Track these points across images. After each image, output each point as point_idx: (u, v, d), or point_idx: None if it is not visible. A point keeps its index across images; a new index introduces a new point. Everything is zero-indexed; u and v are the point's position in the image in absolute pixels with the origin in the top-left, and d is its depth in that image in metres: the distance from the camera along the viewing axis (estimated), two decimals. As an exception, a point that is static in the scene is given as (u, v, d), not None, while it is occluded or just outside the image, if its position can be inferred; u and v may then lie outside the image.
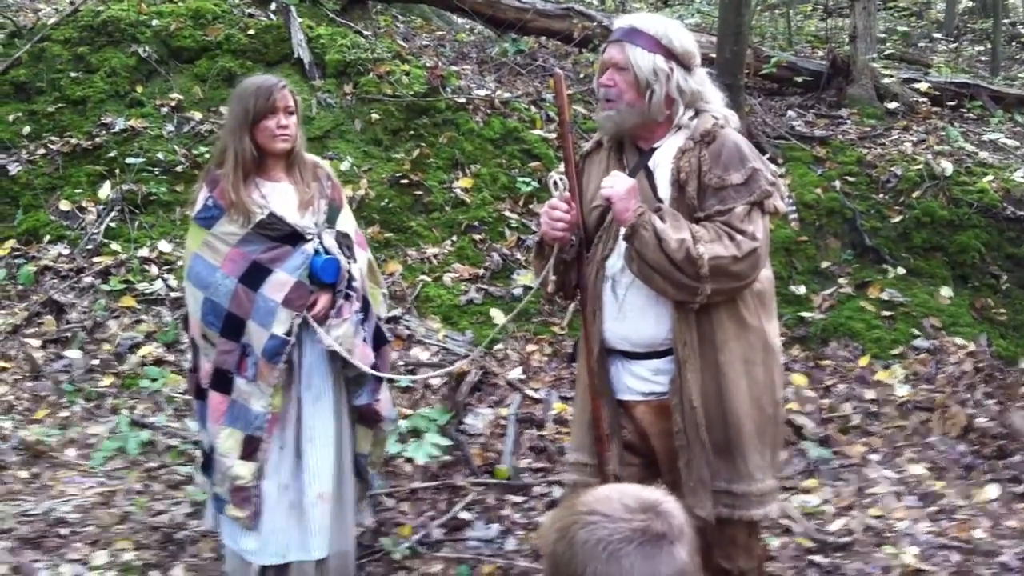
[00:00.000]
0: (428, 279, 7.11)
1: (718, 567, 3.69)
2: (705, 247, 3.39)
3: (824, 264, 7.50)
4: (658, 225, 3.41)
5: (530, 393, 6.27)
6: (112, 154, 7.71)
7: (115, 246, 7.10)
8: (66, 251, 7.10)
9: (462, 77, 9.02)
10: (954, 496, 5.59)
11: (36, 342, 6.43)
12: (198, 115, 8.12)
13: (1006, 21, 16.56)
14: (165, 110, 8.12)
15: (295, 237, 4.28)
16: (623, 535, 1.86)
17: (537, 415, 6.10)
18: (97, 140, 7.81)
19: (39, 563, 4.73)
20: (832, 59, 10.04)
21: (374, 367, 4.40)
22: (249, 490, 4.26)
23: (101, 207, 7.40)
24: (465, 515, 5.26)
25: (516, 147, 8.20)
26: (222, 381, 4.29)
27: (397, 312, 6.67)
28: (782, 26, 14.27)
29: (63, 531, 5.01)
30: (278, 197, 4.32)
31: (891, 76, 10.03)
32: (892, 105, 9.53)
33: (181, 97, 8.25)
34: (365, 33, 9.45)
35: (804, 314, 7.10)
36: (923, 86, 9.92)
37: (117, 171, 7.62)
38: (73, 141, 7.80)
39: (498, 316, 6.85)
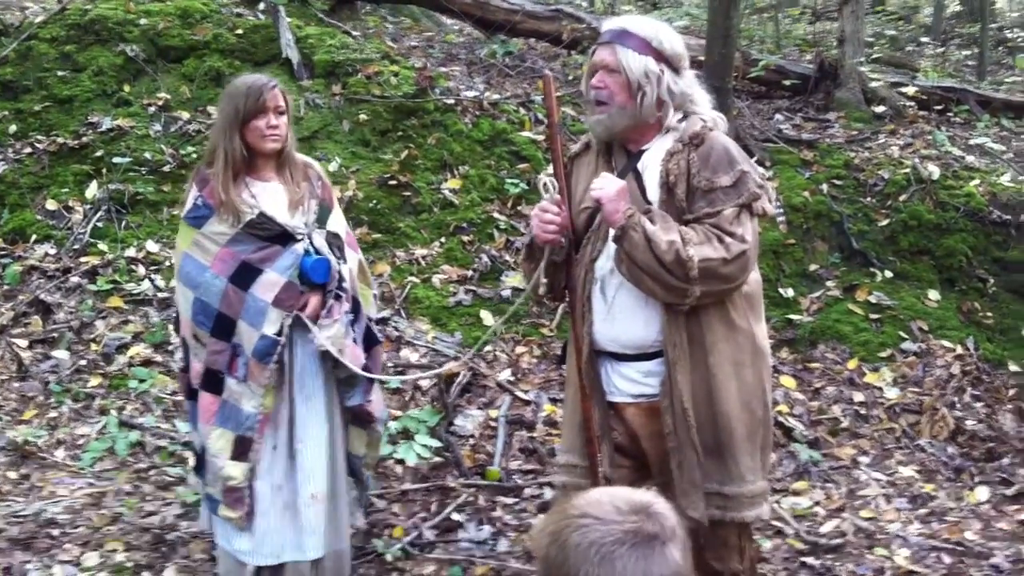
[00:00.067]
0: (417, 280, 7.10)
1: (710, 569, 3.71)
2: (695, 249, 3.40)
3: (812, 267, 7.51)
4: (648, 227, 3.42)
5: (520, 395, 6.26)
6: (99, 153, 7.67)
7: (102, 246, 7.07)
8: (53, 251, 7.06)
9: (451, 78, 9.00)
10: (945, 498, 5.62)
11: (23, 342, 6.39)
12: (185, 115, 8.09)
13: (993, 26, 16.63)
14: (152, 109, 8.09)
15: (285, 237, 4.28)
16: (615, 537, 1.86)
17: (527, 417, 6.10)
18: (84, 139, 7.77)
19: (30, 564, 4.71)
20: (820, 63, 10.04)
21: (365, 368, 4.40)
22: (241, 491, 4.25)
23: (88, 207, 7.36)
24: (457, 516, 5.26)
25: (505, 149, 8.19)
26: (213, 381, 4.28)
27: (386, 313, 6.66)
28: (770, 29, 14.29)
29: (54, 532, 5.00)
30: (268, 197, 4.31)
31: (879, 80, 10.04)
32: (879, 109, 9.53)
33: (168, 96, 8.22)
34: (354, 33, 9.43)
35: (792, 317, 7.11)
36: (910, 90, 9.93)
37: (104, 170, 7.58)
38: (60, 140, 7.76)
39: (487, 318, 6.84)
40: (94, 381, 6.20)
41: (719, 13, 8.52)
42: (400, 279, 7.08)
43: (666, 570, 1.85)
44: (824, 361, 6.81)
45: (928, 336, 6.99)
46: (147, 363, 6.32)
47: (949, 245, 7.52)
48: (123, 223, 7.29)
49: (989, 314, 7.20)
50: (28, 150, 7.71)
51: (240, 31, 8.73)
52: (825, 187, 7.96)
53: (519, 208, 7.75)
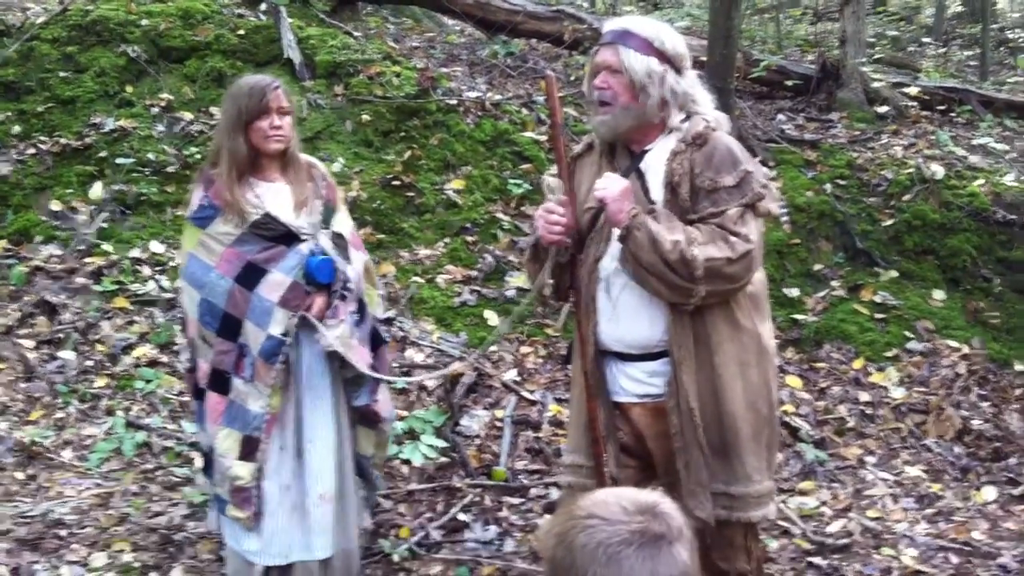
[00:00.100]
0: (421, 281, 7.10)
1: (716, 569, 3.71)
2: (699, 249, 3.40)
3: (816, 267, 7.52)
4: (652, 226, 3.42)
5: (525, 395, 6.26)
6: (102, 154, 7.66)
7: (107, 246, 7.06)
8: (57, 251, 7.05)
9: (453, 79, 9.01)
10: (951, 498, 5.62)
11: (29, 343, 6.38)
12: (188, 115, 8.09)
13: (994, 26, 16.65)
14: (155, 110, 8.08)
15: (290, 237, 4.28)
16: (622, 537, 1.86)
17: (533, 417, 6.10)
18: (87, 140, 7.76)
19: (38, 564, 4.71)
20: (822, 63, 10.05)
21: (372, 368, 4.40)
22: (249, 490, 4.25)
23: (92, 207, 7.35)
24: (463, 517, 5.26)
25: (507, 149, 8.20)
26: (220, 381, 4.28)
27: (391, 314, 6.66)
28: (772, 30, 14.30)
29: (61, 532, 5.00)
30: (273, 197, 4.31)
31: (881, 80, 10.05)
32: (882, 109, 9.54)
33: (171, 97, 8.21)
34: (355, 34, 9.43)
35: (797, 316, 7.12)
36: (913, 90, 9.94)
37: (107, 171, 7.58)
38: (63, 141, 7.75)
39: (492, 318, 6.84)
40: (100, 382, 6.20)
41: (720, 14, 8.53)
42: (404, 279, 7.08)
43: (673, 570, 1.86)
44: (830, 361, 6.82)
45: (934, 335, 6.99)
46: (153, 363, 6.31)
47: (953, 245, 7.52)
48: (127, 224, 7.29)
49: (994, 313, 7.21)
50: (31, 151, 7.70)
51: (242, 32, 8.72)
52: (829, 187, 7.97)
53: (522, 208, 7.76)
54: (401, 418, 5.70)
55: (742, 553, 3.75)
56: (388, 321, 6.52)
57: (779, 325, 6.86)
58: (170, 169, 7.61)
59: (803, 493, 5.64)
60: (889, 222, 7.66)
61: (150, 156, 7.65)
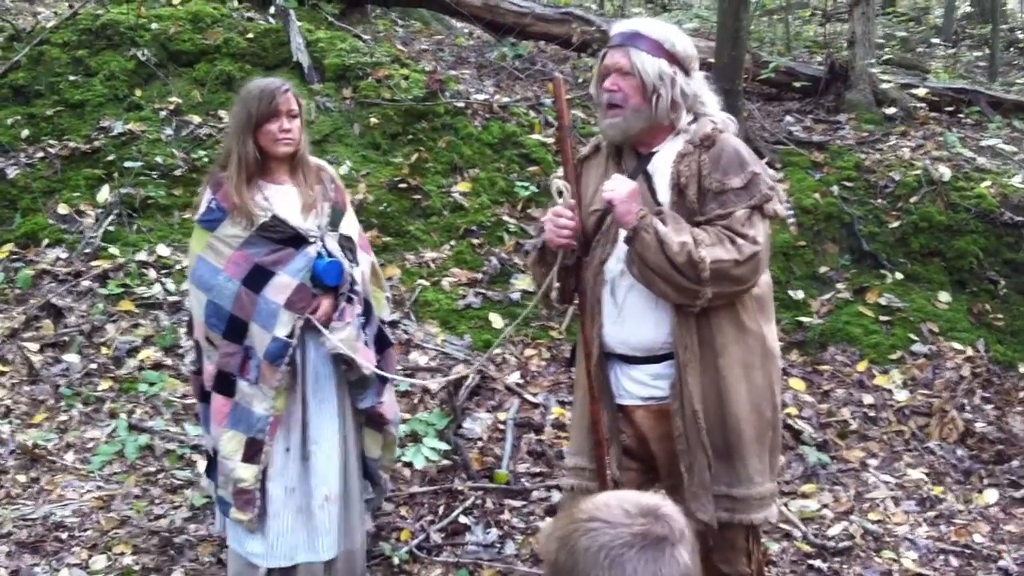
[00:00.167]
0: (426, 283, 7.10)
1: (718, 571, 3.71)
2: (707, 250, 3.39)
3: (822, 269, 7.50)
4: (660, 228, 3.42)
5: (528, 397, 6.26)
6: (111, 158, 7.69)
7: (113, 250, 7.09)
8: (64, 255, 7.08)
9: (461, 81, 9.02)
10: (953, 501, 5.61)
11: (34, 346, 6.41)
12: (197, 119, 8.11)
13: (1004, 27, 16.58)
14: (164, 114, 8.11)
15: (298, 240, 4.30)
16: (624, 540, 1.86)
17: (535, 420, 6.10)
18: (96, 144, 7.79)
19: (38, 567, 4.73)
20: (830, 64, 10.03)
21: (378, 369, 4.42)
22: (252, 493, 4.27)
23: (99, 211, 7.38)
24: (464, 520, 5.26)
25: (515, 151, 8.20)
26: (225, 383, 4.30)
27: (396, 316, 6.66)
28: (780, 31, 14.26)
29: (62, 535, 5.02)
30: (281, 200, 4.33)
31: (889, 81, 10.02)
32: (890, 110, 9.51)
33: (180, 101, 8.23)
34: (364, 37, 9.45)
35: (802, 319, 7.10)
36: (921, 91, 9.92)
37: (115, 175, 7.60)
38: (72, 144, 7.78)
39: (497, 320, 6.84)
40: (104, 385, 6.22)
41: (729, 15, 8.52)
42: (410, 282, 7.09)
43: (676, 572, 1.85)
44: (834, 363, 6.81)
45: (938, 338, 6.97)
46: (157, 367, 6.33)
47: (960, 247, 7.50)
48: (134, 227, 7.31)
49: (1000, 316, 7.19)
50: (40, 154, 7.73)
51: (251, 35, 8.74)
52: (836, 189, 7.95)
53: (529, 211, 7.76)
54: (404, 421, 5.70)
55: (743, 555, 3.74)
56: (393, 324, 6.52)
57: (784, 327, 6.85)
58: (178, 173, 7.63)
59: (805, 496, 5.64)
60: (896, 224, 7.64)
61: (158, 160, 7.67)
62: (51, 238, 7.21)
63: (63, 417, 6.01)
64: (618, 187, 3.51)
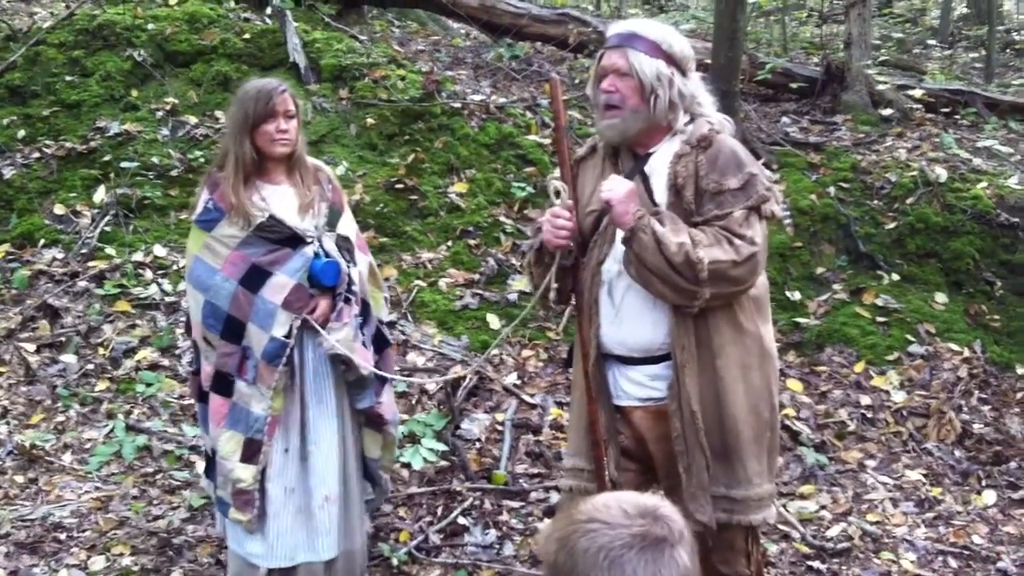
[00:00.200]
0: (423, 284, 7.10)
1: (717, 572, 3.71)
2: (704, 251, 3.39)
3: (819, 270, 7.51)
4: (657, 229, 3.41)
5: (526, 398, 6.26)
6: (107, 158, 7.67)
7: (110, 250, 7.08)
8: (60, 255, 7.07)
9: (457, 82, 9.02)
10: (952, 502, 5.61)
11: (31, 346, 6.40)
12: (193, 119, 8.10)
13: (1000, 28, 16.59)
14: (160, 114, 8.10)
15: (295, 240, 4.30)
16: (624, 541, 1.86)
17: (533, 420, 6.09)
18: (92, 144, 7.77)
19: (36, 568, 4.73)
20: (827, 65, 10.03)
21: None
22: (251, 493, 4.27)
23: (96, 211, 7.37)
24: (463, 520, 5.26)
25: (511, 152, 8.19)
26: (223, 384, 4.30)
27: (392, 317, 6.66)
28: (777, 32, 14.26)
29: (60, 536, 5.02)
30: (278, 200, 4.34)
31: (886, 83, 10.03)
32: (887, 112, 9.52)
33: (176, 101, 8.22)
34: (361, 38, 9.44)
35: (799, 320, 7.10)
36: (917, 93, 9.92)
37: (112, 175, 7.59)
38: (68, 145, 7.77)
39: (494, 321, 6.84)
40: (101, 385, 6.21)
41: (725, 16, 8.52)
42: (407, 283, 7.08)
43: (675, 573, 1.86)
44: (831, 364, 6.81)
45: (935, 339, 6.98)
46: (154, 367, 6.32)
47: (956, 248, 7.51)
48: (131, 227, 7.30)
49: (996, 317, 7.19)
50: (36, 155, 7.73)
51: (247, 36, 8.74)
52: (832, 190, 7.95)
53: (525, 211, 7.76)
54: (402, 421, 5.70)
55: (742, 556, 3.75)
56: (390, 324, 6.52)
57: (780, 328, 6.85)
58: (174, 173, 7.62)
59: (803, 497, 5.64)
60: (892, 225, 7.65)
61: (154, 160, 7.66)
62: (47, 238, 7.20)
63: (60, 418, 6.01)
64: (615, 187, 3.51)
